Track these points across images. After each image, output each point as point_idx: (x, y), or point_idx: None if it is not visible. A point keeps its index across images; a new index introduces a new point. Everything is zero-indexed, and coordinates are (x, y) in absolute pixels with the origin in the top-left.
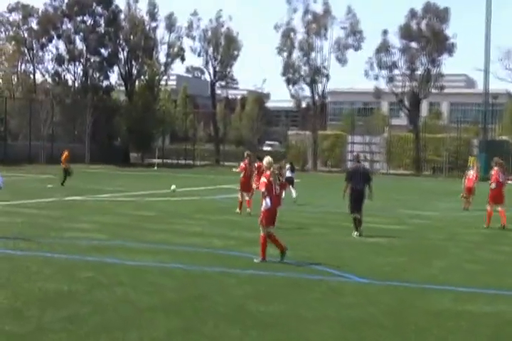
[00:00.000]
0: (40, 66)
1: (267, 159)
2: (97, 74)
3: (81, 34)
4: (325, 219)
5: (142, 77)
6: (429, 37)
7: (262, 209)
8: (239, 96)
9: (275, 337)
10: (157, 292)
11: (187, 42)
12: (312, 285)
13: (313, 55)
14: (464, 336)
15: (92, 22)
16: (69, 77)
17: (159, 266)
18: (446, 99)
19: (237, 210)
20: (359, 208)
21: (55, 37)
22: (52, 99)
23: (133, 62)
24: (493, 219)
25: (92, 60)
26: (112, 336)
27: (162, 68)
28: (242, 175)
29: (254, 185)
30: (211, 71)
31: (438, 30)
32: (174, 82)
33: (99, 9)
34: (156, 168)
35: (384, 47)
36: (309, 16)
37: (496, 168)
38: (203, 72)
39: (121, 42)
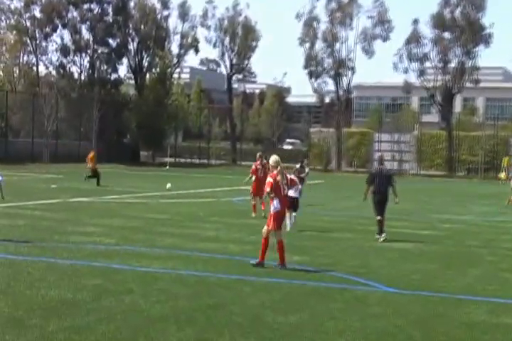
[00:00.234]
0: (43, 57)
1: (274, 157)
2: (105, 67)
3: (88, 23)
4: (349, 223)
5: (153, 69)
6: (463, 26)
7: (271, 211)
8: (257, 91)
9: None
10: (169, 300)
11: (201, 32)
12: (334, 293)
13: (337, 46)
14: None
15: (100, 10)
16: (74, 69)
17: (171, 273)
18: (481, 94)
19: (253, 214)
20: (382, 211)
21: (60, 26)
22: (57, 93)
23: (143, 54)
24: None
25: (99, 51)
26: None
27: (175, 60)
28: (253, 178)
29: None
30: (227, 63)
31: (473, 19)
32: (188, 75)
33: None
34: (167, 167)
35: (414, 38)
36: (333, 4)
37: None
38: (218, 65)
39: (130, 32)
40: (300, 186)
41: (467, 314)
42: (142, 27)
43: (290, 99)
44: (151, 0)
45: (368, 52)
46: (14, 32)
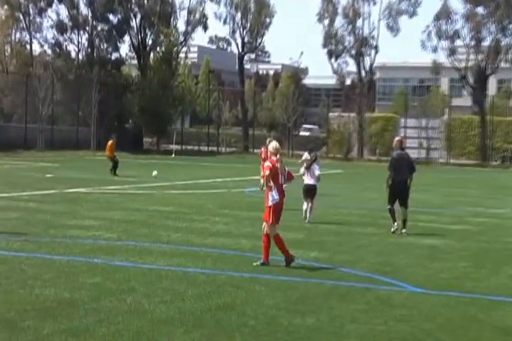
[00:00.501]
0: (38, 35)
1: (273, 144)
2: (105, 45)
3: None
4: (372, 216)
5: (158, 48)
6: (498, 0)
7: (269, 203)
8: (271, 72)
9: None
10: (174, 301)
11: (210, 8)
12: (356, 294)
13: (359, 22)
14: None
15: None
16: (72, 48)
17: (177, 271)
18: None
19: None
20: (403, 200)
21: (56, 0)
22: (53, 74)
23: (147, 31)
24: None
25: (98, 28)
26: None
27: (181, 38)
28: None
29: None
30: (239, 41)
31: None
32: (195, 55)
33: None
34: (173, 155)
35: (444, 14)
36: None
37: None
38: (229, 43)
39: (133, 7)
40: (318, 172)
41: (501, 317)
42: (145, 1)
43: (307, 81)
44: None
45: (393, 29)
46: (5, 7)
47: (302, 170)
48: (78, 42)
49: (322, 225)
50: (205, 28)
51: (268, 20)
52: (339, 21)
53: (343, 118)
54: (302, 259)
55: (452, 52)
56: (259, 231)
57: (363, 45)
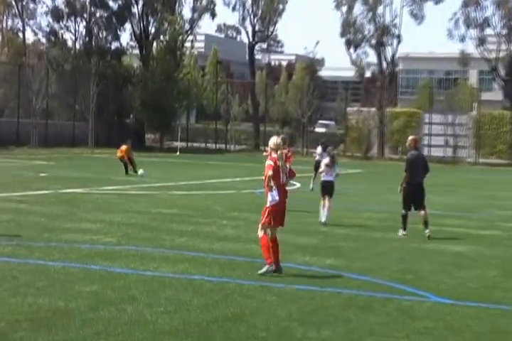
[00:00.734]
0: (31, 22)
1: (274, 139)
2: (104, 34)
3: None
4: (393, 220)
5: (161, 37)
6: None
7: (268, 204)
8: (284, 63)
9: None
10: (179, 311)
11: None
12: (375, 305)
13: (380, 9)
14: None
15: None
16: (68, 36)
17: (182, 278)
18: None
19: None
20: (419, 203)
21: None
22: (47, 65)
23: (150, 18)
24: None
25: (97, 15)
26: None
27: (187, 26)
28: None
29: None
30: (249, 30)
31: None
32: (202, 44)
33: None
34: (178, 153)
35: (473, 0)
36: None
37: None
38: (238, 32)
39: None
40: (338, 171)
41: None
42: None
43: (323, 73)
44: None
45: (417, 16)
46: None
47: (323, 167)
48: (75, 30)
49: (339, 229)
50: (213, 15)
51: (281, 6)
52: (358, 8)
53: (362, 114)
54: (317, 266)
55: (482, 41)
56: None
57: (384, 33)
